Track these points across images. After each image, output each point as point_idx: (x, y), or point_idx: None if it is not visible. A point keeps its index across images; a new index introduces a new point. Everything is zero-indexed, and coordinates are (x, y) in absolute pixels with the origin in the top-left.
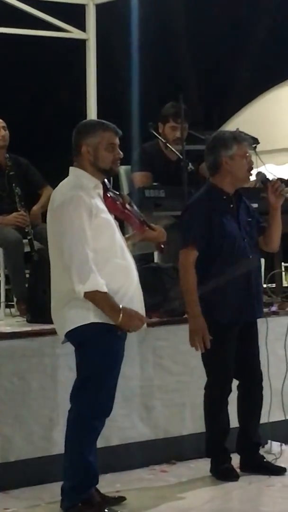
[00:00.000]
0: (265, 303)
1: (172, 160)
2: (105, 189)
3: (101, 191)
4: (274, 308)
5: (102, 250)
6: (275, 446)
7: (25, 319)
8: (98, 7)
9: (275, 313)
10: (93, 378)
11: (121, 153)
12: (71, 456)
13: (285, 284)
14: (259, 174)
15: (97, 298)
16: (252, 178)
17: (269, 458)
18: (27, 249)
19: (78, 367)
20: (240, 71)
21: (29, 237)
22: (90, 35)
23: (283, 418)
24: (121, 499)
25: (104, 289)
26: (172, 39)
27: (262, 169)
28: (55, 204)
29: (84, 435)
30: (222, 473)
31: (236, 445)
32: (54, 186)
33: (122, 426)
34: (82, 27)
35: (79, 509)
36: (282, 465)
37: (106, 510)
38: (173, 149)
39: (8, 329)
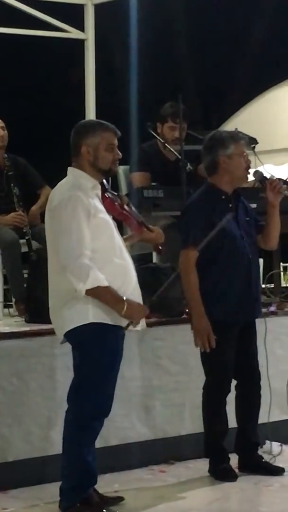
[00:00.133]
0: (264, 303)
1: (171, 160)
2: (104, 190)
3: (99, 192)
4: (272, 308)
5: (101, 250)
6: (274, 446)
7: (23, 319)
8: (97, 7)
9: (273, 313)
10: (93, 377)
11: (120, 153)
12: (69, 456)
13: (283, 284)
14: (256, 172)
15: (100, 293)
16: (250, 177)
17: (267, 458)
18: (24, 249)
19: (76, 367)
20: (239, 71)
21: (27, 237)
22: (88, 35)
23: (283, 418)
24: (120, 499)
25: (105, 283)
26: (171, 39)
27: (260, 169)
28: (53, 204)
29: (83, 435)
30: (221, 473)
31: (235, 445)
32: (52, 186)
33: (120, 426)
34: (80, 27)
35: (77, 509)
36: (281, 465)
37: (104, 510)
38: (171, 149)
39: (6, 329)
